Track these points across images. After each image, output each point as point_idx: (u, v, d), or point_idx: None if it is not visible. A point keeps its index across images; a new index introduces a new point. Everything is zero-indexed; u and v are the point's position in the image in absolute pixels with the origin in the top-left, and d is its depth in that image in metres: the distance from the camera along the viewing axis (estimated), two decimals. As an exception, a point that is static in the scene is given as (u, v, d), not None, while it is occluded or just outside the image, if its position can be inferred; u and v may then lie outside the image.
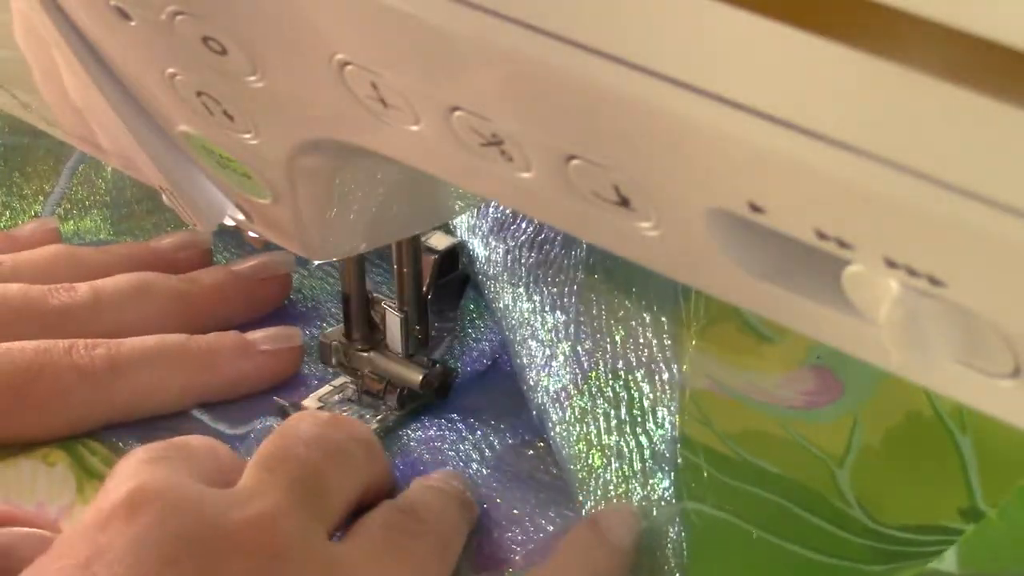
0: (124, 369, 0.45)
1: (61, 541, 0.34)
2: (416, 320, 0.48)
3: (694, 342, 0.45)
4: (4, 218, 0.59)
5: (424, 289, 0.48)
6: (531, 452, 0.47)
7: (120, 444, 0.47)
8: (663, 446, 0.43)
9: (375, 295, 0.48)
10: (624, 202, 0.25)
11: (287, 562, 0.34)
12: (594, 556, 0.40)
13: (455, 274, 0.51)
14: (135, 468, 0.36)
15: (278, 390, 0.49)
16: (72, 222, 0.58)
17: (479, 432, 0.47)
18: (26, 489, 0.47)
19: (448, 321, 0.51)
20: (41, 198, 0.59)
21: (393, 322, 0.48)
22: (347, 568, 0.36)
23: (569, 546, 0.40)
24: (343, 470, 0.39)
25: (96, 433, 0.49)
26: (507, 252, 0.49)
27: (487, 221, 0.50)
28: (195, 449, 0.39)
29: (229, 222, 0.39)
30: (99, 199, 0.59)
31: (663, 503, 0.41)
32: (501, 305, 0.49)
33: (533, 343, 0.47)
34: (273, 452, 0.38)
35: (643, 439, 0.43)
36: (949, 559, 0.39)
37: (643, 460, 0.43)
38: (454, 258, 0.51)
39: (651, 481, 0.42)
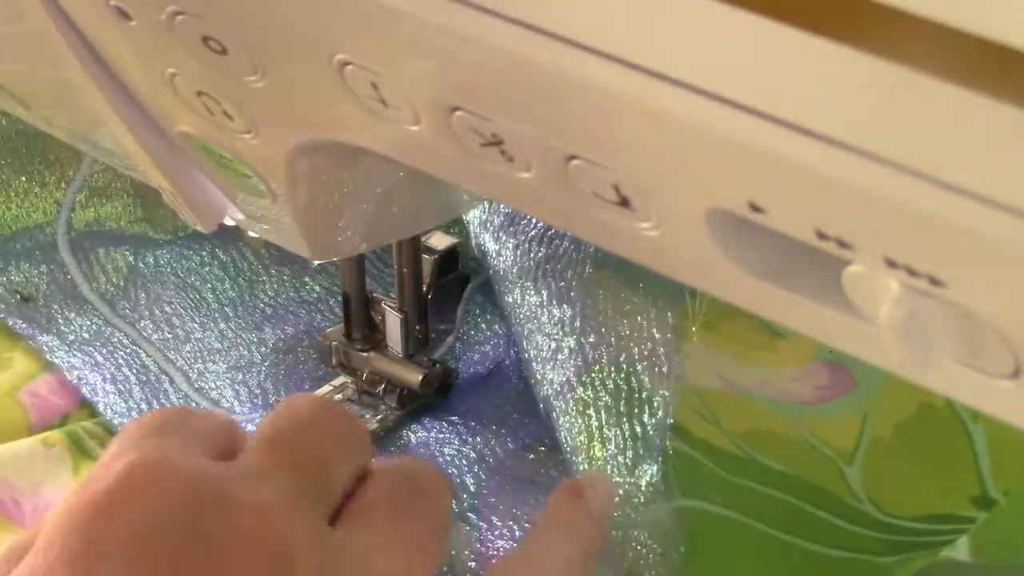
0: None
1: (52, 529, 0.32)
2: (416, 320, 0.48)
3: (702, 339, 0.45)
4: (25, 205, 0.59)
5: (424, 289, 0.48)
6: (532, 456, 0.47)
7: (118, 426, 0.48)
8: (657, 436, 0.43)
9: (375, 295, 0.48)
10: (624, 202, 0.25)
11: (292, 550, 0.33)
12: (576, 526, 0.39)
13: (455, 274, 0.52)
14: (133, 440, 0.34)
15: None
16: (93, 209, 0.59)
17: (479, 436, 0.47)
18: (23, 469, 0.48)
19: (448, 322, 0.51)
20: (63, 185, 0.59)
21: (393, 322, 0.48)
22: (354, 554, 0.35)
23: (550, 519, 0.40)
24: (343, 455, 0.38)
25: (96, 416, 0.49)
26: (516, 247, 0.49)
27: (499, 216, 0.50)
28: (195, 419, 0.37)
29: (229, 222, 0.39)
30: (120, 186, 0.59)
31: (662, 492, 0.41)
32: (510, 299, 0.49)
33: (540, 336, 0.47)
34: (274, 434, 0.36)
35: (639, 430, 0.43)
36: (961, 547, 0.40)
37: (636, 451, 0.43)
38: (454, 258, 0.51)
39: (648, 470, 0.42)
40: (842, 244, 0.22)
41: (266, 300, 0.55)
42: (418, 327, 0.48)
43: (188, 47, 0.30)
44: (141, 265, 0.57)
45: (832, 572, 0.41)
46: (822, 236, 0.22)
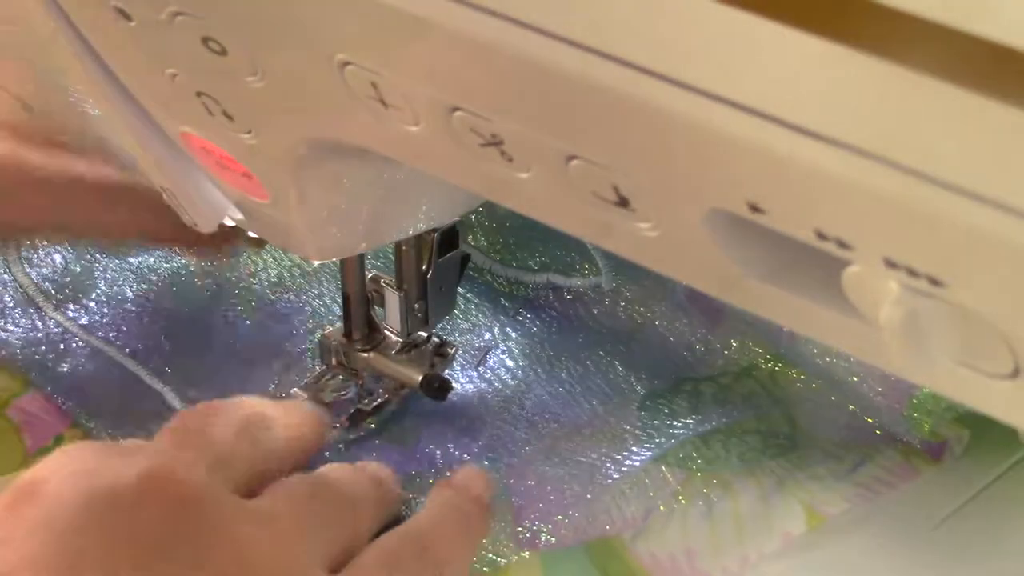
0: None
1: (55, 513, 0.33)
2: (416, 298, 0.48)
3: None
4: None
5: (424, 267, 0.48)
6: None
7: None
8: None
9: (375, 273, 0.48)
10: (624, 202, 0.25)
11: (195, 505, 0.34)
12: (462, 507, 0.42)
13: (455, 252, 0.51)
14: (153, 444, 0.37)
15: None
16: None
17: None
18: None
19: (447, 301, 0.51)
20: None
21: (392, 301, 0.47)
22: (263, 515, 0.36)
23: (436, 502, 0.42)
24: (254, 445, 0.39)
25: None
26: None
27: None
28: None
29: (229, 222, 0.39)
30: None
31: None
32: None
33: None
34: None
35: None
36: None
37: None
38: (454, 236, 0.50)
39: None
40: (842, 244, 0.22)
41: (279, 301, 0.55)
42: (417, 305, 0.48)
43: (188, 47, 0.30)
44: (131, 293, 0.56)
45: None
46: (822, 236, 0.22)
